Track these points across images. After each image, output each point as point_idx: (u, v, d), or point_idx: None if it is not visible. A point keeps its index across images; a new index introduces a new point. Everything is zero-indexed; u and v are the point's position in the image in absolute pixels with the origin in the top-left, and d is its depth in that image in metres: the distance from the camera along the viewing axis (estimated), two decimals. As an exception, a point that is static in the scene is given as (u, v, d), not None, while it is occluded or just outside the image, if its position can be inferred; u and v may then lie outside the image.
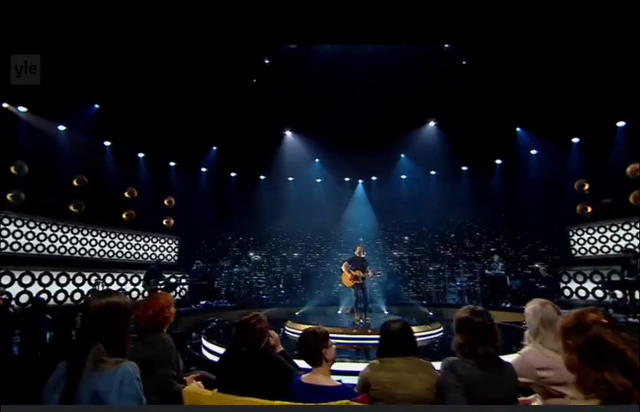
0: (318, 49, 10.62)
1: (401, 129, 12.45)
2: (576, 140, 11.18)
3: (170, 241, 13.40)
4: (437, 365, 2.19)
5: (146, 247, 12.61)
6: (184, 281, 11.90)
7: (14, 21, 6.78)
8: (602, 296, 10.24)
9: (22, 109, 9.20)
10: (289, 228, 15.44)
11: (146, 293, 10.26)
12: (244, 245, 15.14)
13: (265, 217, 15.28)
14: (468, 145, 12.11)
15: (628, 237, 10.24)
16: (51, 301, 9.40)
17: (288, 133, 13.75)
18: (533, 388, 2.30)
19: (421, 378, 2.08)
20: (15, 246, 9.26)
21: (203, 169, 14.07)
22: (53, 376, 1.54)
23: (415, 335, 8.39)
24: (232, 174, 14.83)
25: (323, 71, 10.65)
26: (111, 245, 11.61)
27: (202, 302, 11.69)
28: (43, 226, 9.89)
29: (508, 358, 2.23)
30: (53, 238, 10.11)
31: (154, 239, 12.89)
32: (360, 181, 15.46)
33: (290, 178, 15.14)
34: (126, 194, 12.16)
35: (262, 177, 15.11)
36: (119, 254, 11.78)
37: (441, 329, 7.83)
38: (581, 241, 11.39)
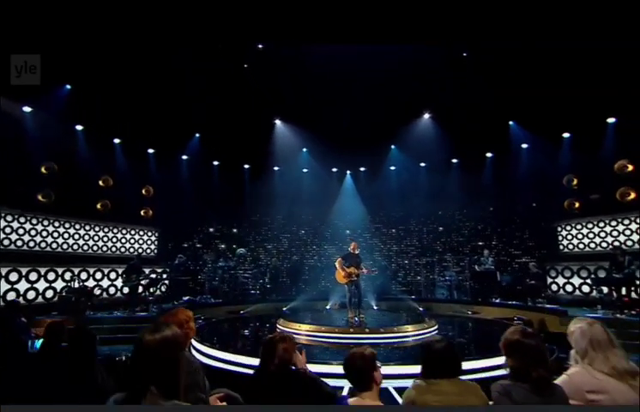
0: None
1: (393, 120, 12.25)
2: (566, 135, 11.23)
3: (149, 233, 12.73)
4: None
5: (123, 240, 11.93)
6: (164, 276, 11.31)
7: (14, 21, 6.90)
8: (589, 291, 10.42)
9: (-19, 88, 8.34)
10: (275, 220, 15.06)
11: (125, 290, 9.63)
12: (227, 237, 14.60)
13: (250, 208, 14.87)
14: (460, 137, 12.06)
15: (614, 233, 10.40)
16: (21, 300, 8.75)
17: (278, 122, 13.28)
18: None
19: (471, 402, 2.03)
20: (-23, 241, 8.47)
21: (184, 157, 13.43)
22: None
23: (410, 334, 8.07)
24: (215, 163, 14.19)
25: (315, 62, 10.33)
26: (86, 237, 10.90)
27: (185, 298, 11.28)
28: (9, 218, 9.13)
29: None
30: (21, 231, 9.33)
31: (132, 231, 12.21)
32: (349, 172, 15.19)
33: (276, 168, 14.71)
34: (101, 182, 11.38)
35: (246, 166, 14.65)
36: (95, 248, 11.08)
37: (436, 327, 7.75)
38: (569, 237, 11.54)
